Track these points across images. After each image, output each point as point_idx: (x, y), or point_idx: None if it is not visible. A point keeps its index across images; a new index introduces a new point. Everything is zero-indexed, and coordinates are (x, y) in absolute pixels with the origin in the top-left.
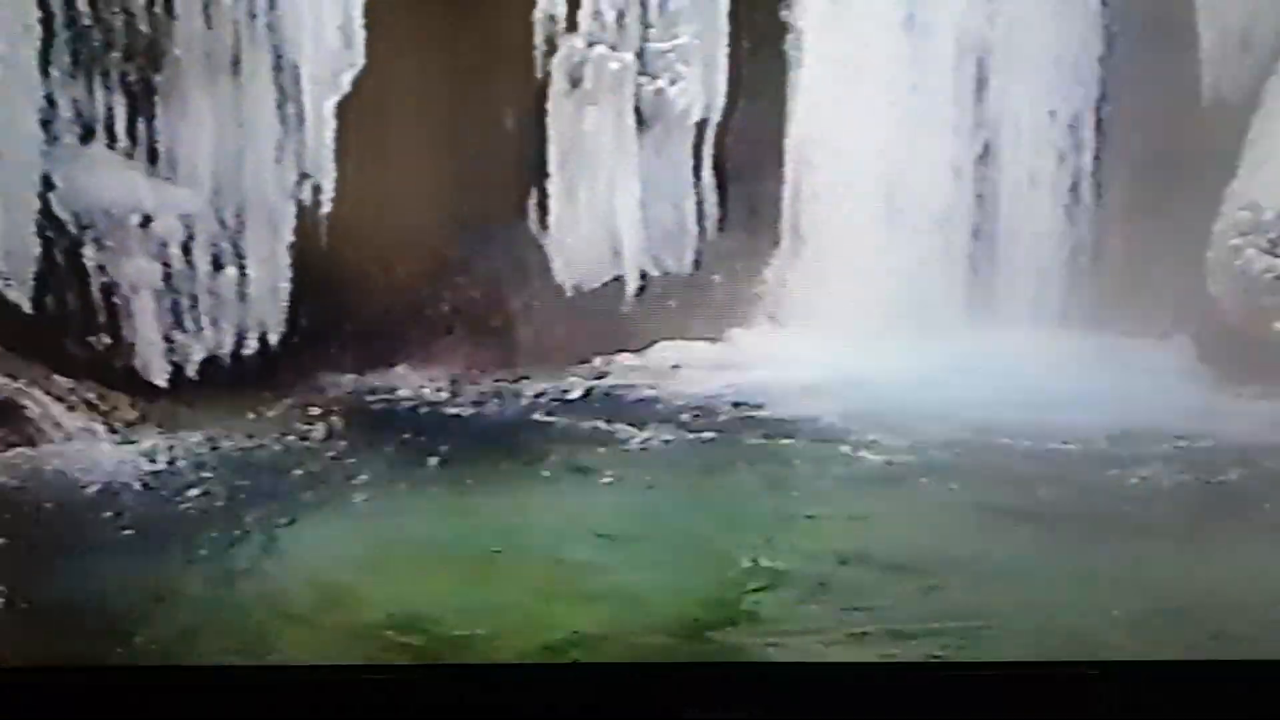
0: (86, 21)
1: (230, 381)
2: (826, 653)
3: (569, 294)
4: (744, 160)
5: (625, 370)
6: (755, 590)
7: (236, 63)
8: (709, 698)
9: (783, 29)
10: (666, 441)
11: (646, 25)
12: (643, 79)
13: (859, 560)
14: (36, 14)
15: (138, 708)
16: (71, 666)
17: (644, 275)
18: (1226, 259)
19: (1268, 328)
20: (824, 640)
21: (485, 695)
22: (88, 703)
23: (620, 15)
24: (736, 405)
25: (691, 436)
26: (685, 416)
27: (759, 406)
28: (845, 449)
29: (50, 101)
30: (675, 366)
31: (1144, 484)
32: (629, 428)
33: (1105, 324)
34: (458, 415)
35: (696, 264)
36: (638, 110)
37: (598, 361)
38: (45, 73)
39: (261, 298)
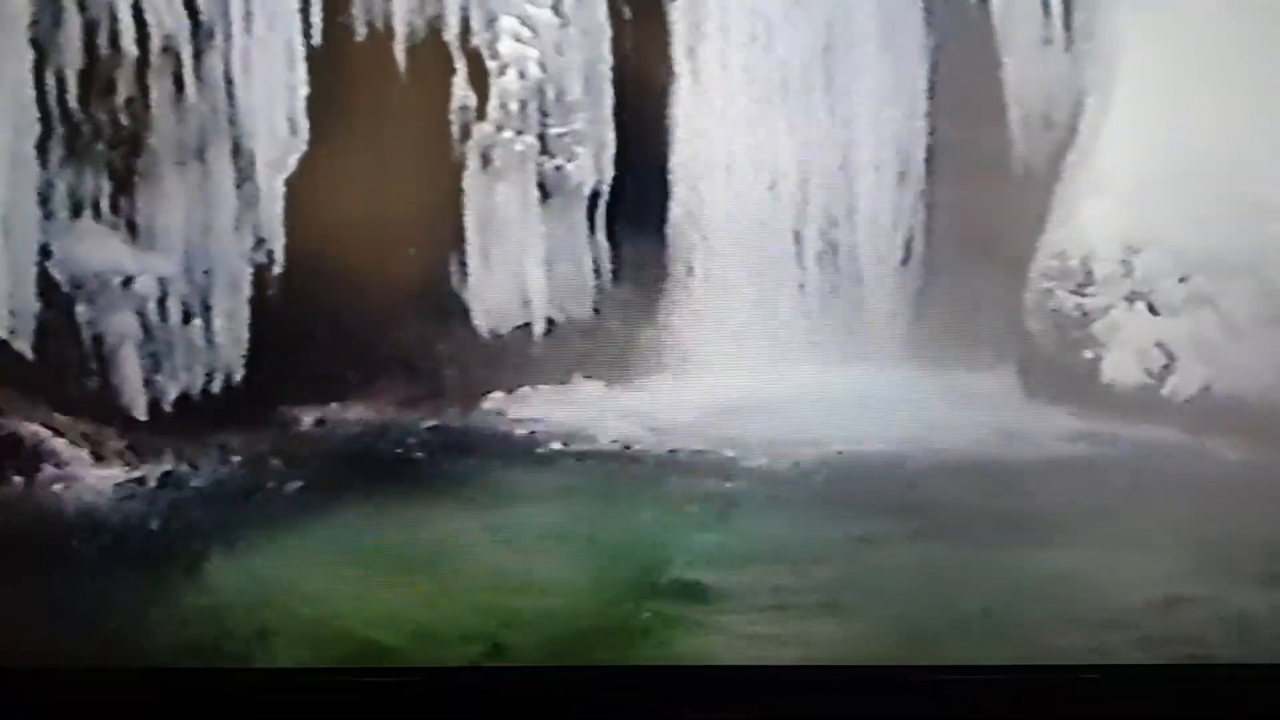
0: (78, 118)
1: (199, 415)
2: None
3: (486, 338)
4: (631, 223)
5: (522, 402)
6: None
7: (202, 150)
8: (707, 698)
9: (664, 115)
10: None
11: (546, 114)
12: (544, 158)
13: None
14: (36, 113)
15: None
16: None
17: (550, 321)
18: (1041, 300)
19: (1078, 356)
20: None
21: (480, 695)
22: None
23: (523, 105)
24: (615, 442)
25: (575, 464)
26: (563, 446)
27: (641, 439)
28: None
29: (48, 183)
30: (572, 401)
31: (959, 498)
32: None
33: (941, 358)
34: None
35: (596, 311)
36: (540, 184)
37: (499, 394)
38: (43, 160)
39: (225, 345)
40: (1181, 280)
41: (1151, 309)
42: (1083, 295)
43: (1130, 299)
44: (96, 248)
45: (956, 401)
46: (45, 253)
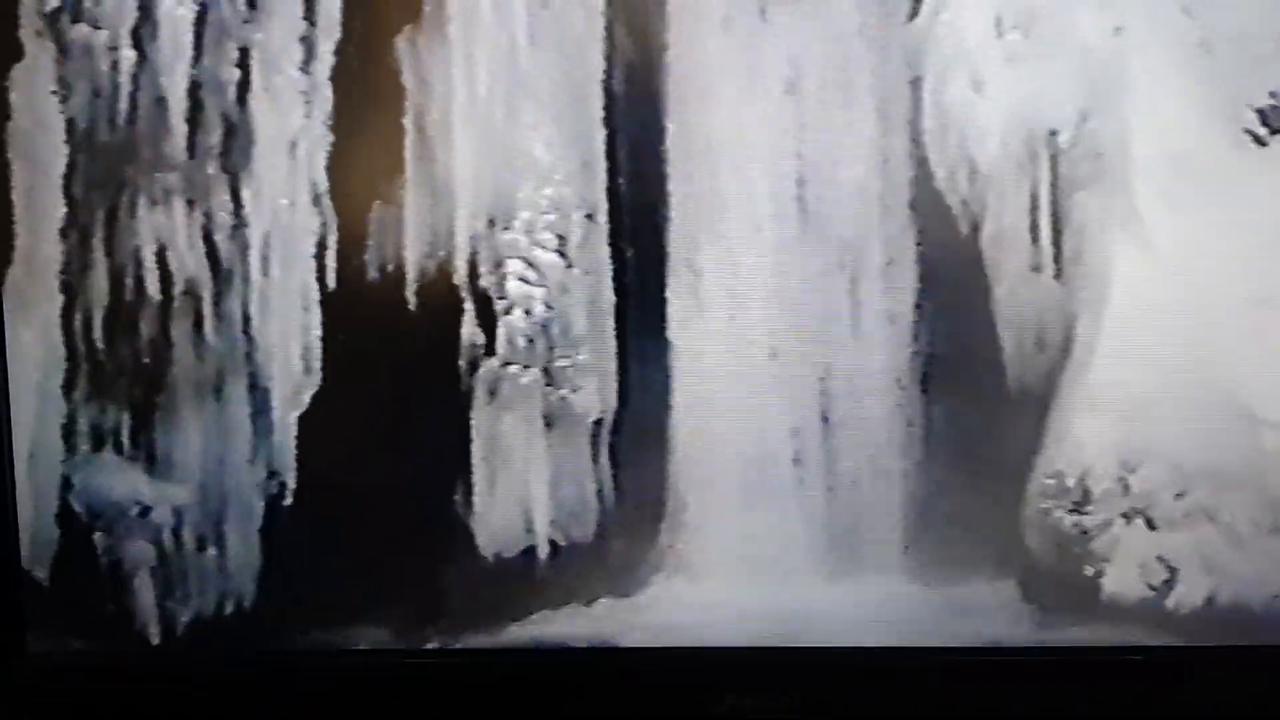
0: (102, 357)
1: (211, 638)
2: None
3: (491, 562)
4: (633, 449)
5: (526, 624)
6: None
7: (220, 386)
8: (749, 682)
9: (664, 346)
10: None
11: (551, 347)
12: (549, 389)
13: None
14: (64, 351)
15: None
16: None
17: (554, 545)
18: (1039, 518)
19: (1079, 572)
20: None
21: (516, 678)
22: None
23: (530, 340)
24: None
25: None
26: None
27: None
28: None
29: (71, 418)
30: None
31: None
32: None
33: (941, 575)
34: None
35: (599, 534)
36: (545, 415)
37: (503, 617)
38: (68, 396)
39: (237, 572)
40: (1180, 495)
41: (1150, 524)
42: (1081, 513)
43: (1129, 515)
44: (116, 479)
45: (955, 614)
46: (66, 484)
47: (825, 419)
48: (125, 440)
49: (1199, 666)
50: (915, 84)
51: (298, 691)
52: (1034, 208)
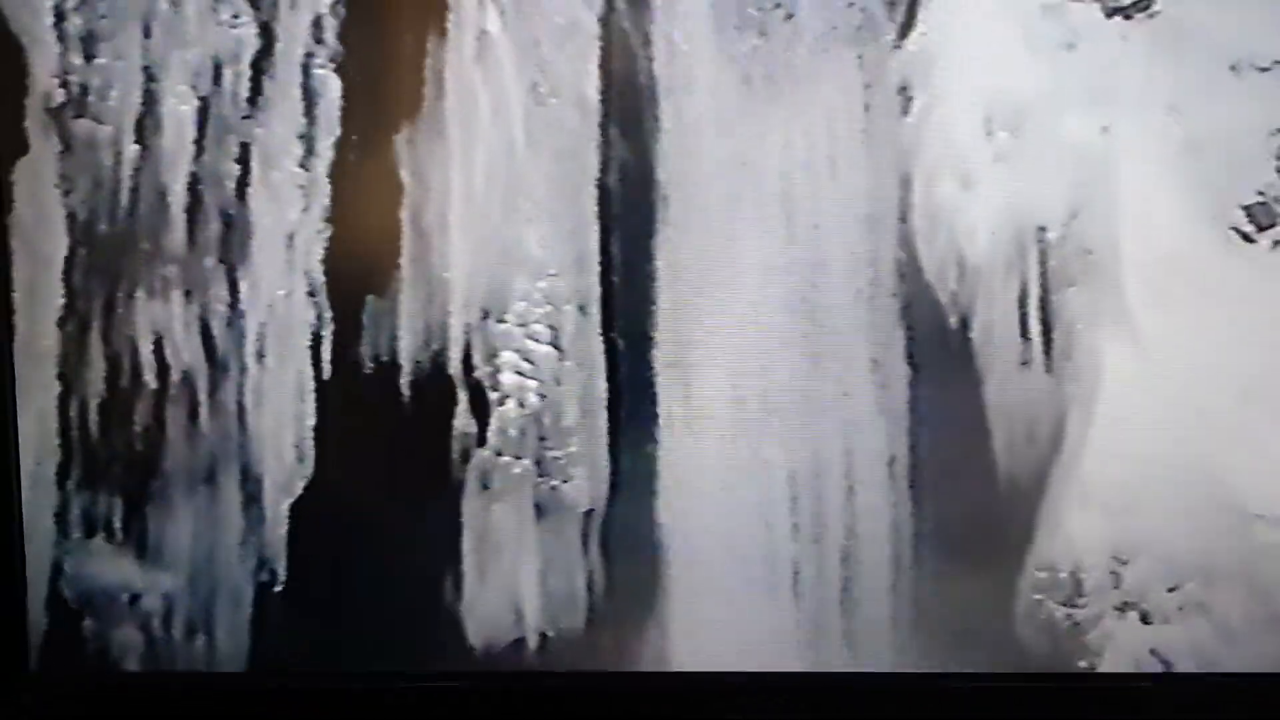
0: (96, 445)
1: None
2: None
3: (479, 654)
4: (624, 539)
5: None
6: None
7: (212, 475)
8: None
9: (655, 438)
10: None
11: (543, 439)
12: (540, 479)
13: None
14: (58, 440)
15: None
16: None
17: (543, 635)
18: (1031, 610)
19: (1071, 665)
20: None
21: (495, 700)
22: None
23: (522, 431)
24: None
25: None
26: None
27: None
28: None
29: (64, 506)
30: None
31: None
32: None
33: (933, 667)
34: None
35: (589, 623)
36: (536, 505)
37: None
38: (61, 484)
39: (225, 662)
40: (1172, 589)
41: (1144, 618)
42: (1073, 607)
43: (1121, 609)
44: (106, 566)
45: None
46: (56, 569)
47: (816, 512)
48: (117, 527)
49: None
50: (905, 181)
51: None
52: (1023, 303)
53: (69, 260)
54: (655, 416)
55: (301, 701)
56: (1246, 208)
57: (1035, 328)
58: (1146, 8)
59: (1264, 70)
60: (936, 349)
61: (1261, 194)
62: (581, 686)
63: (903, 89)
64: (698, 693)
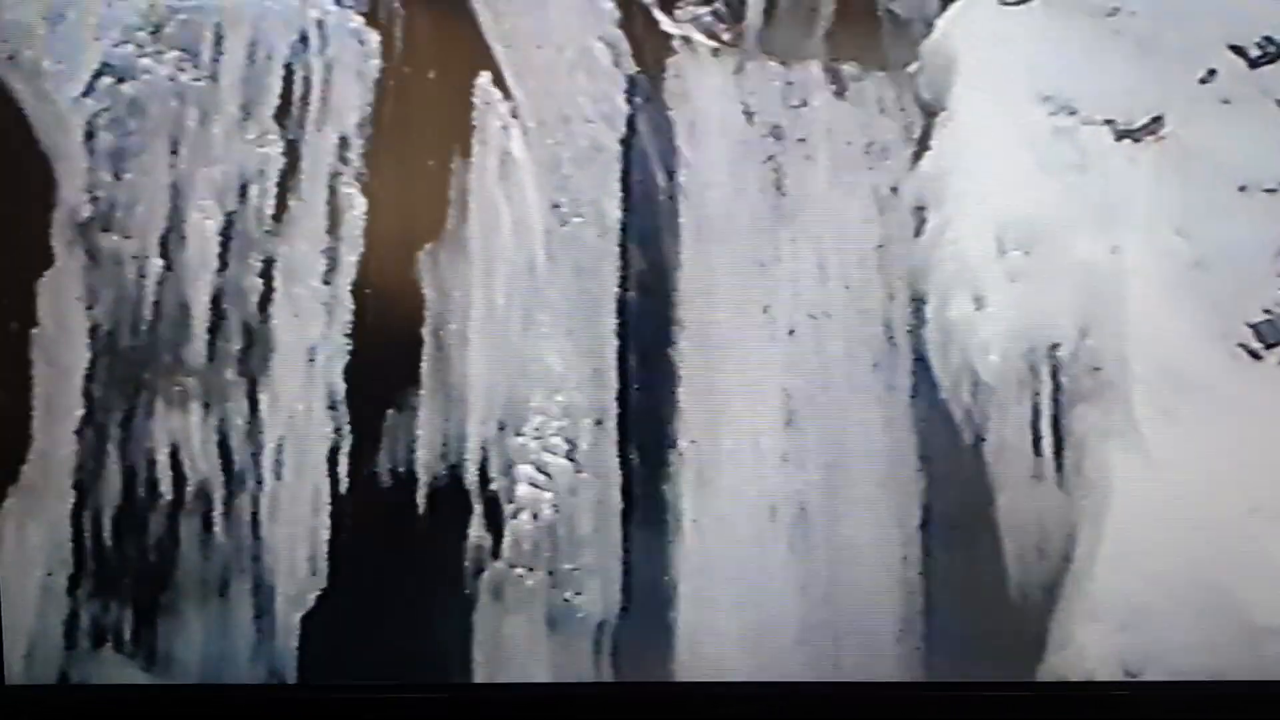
0: (109, 555)
1: None
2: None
3: None
4: (637, 652)
5: None
6: None
7: (224, 587)
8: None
9: (670, 550)
10: None
11: (557, 550)
12: (553, 591)
13: None
14: (71, 549)
15: None
16: None
17: None
18: None
19: None
20: None
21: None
22: None
23: (536, 545)
24: None
25: None
26: None
27: None
28: None
29: (73, 615)
30: None
31: None
32: None
33: None
34: None
35: None
36: (548, 617)
37: None
38: (72, 593)
39: None
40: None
41: None
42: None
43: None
44: (114, 676)
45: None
46: (63, 677)
47: (831, 630)
48: (126, 637)
49: None
50: (919, 299)
51: None
52: (1035, 419)
53: (89, 371)
54: (670, 528)
55: None
56: (1254, 325)
57: (1047, 443)
58: (1155, 131)
59: (1271, 191)
60: (950, 463)
61: (1269, 312)
62: None
63: (918, 208)
64: None
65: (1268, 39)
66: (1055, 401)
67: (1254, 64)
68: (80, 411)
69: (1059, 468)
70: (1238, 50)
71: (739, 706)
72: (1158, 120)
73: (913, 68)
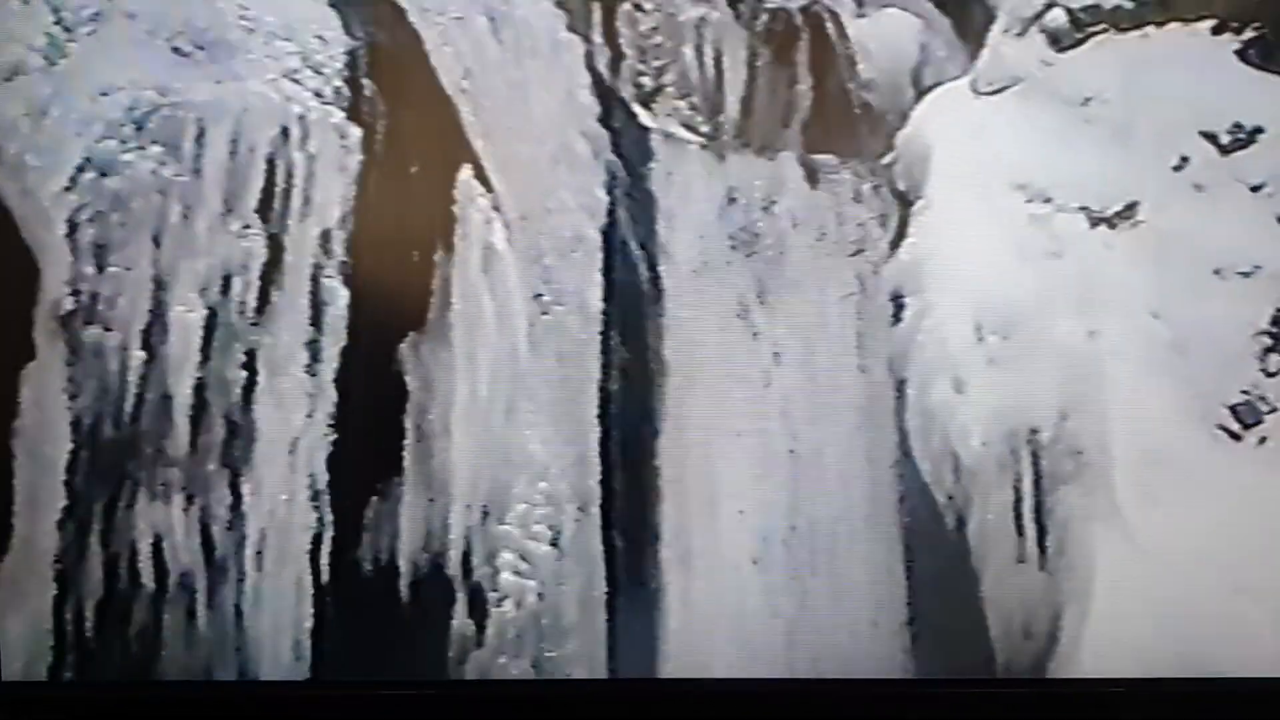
0: (91, 645)
1: None
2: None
3: None
4: None
5: None
6: None
7: (209, 674)
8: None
9: (655, 637)
10: None
11: (542, 639)
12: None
13: None
14: (51, 641)
15: None
16: None
17: None
18: None
19: None
20: None
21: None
22: None
23: (520, 634)
24: None
25: None
26: None
27: None
28: None
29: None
30: None
31: None
32: None
33: None
34: None
35: None
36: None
37: None
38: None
39: None
40: None
41: None
42: None
43: None
44: None
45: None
46: None
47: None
48: None
49: None
50: (900, 385)
51: None
52: (1018, 502)
53: (71, 463)
54: (655, 615)
55: None
56: (1232, 406)
57: (1030, 525)
58: (1130, 217)
59: (1245, 274)
60: (934, 546)
61: (1246, 393)
62: None
63: (896, 296)
64: None
65: (1238, 125)
66: (1037, 484)
67: (1225, 150)
68: (63, 503)
69: (1042, 549)
70: (1209, 137)
71: None
72: (1132, 207)
73: (888, 158)
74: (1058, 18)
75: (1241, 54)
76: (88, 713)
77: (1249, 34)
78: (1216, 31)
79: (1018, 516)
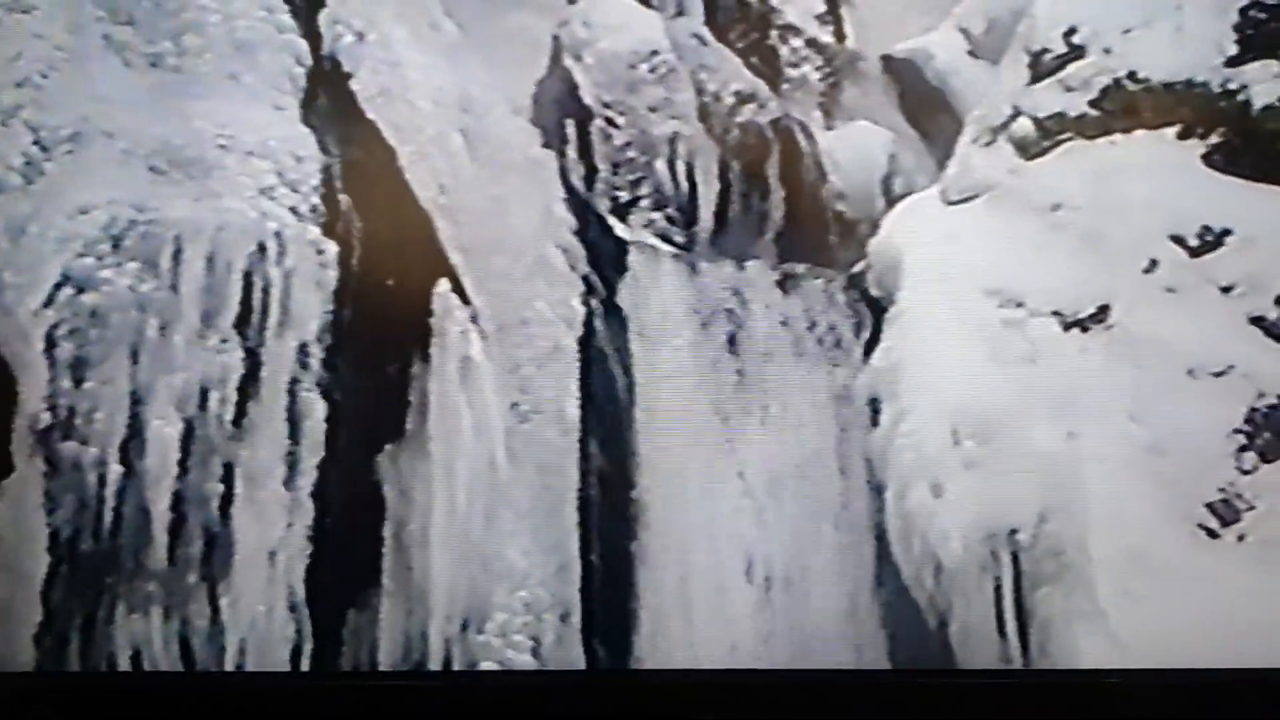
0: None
1: None
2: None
3: None
4: None
5: None
6: None
7: None
8: (728, 703)
9: None
10: None
11: None
12: None
13: None
14: None
15: None
16: None
17: None
18: None
19: None
20: None
21: (498, 701)
22: None
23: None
24: None
25: None
26: None
27: None
28: None
29: None
30: None
31: None
32: None
33: None
34: None
35: None
36: None
37: None
38: None
39: None
40: None
41: None
42: None
43: None
44: None
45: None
46: None
47: None
48: None
49: None
50: (878, 489)
51: None
52: (999, 604)
53: (49, 577)
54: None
55: None
56: (1210, 505)
57: (1012, 627)
58: (1102, 320)
59: (1219, 374)
60: (916, 649)
61: (1224, 491)
62: None
63: (872, 400)
64: None
65: (1206, 228)
66: (1018, 586)
67: (1195, 253)
68: (39, 618)
69: (1025, 651)
70: (1178, 240)
71: None
72: (1104, 310)
73: (860, 266)
74: (1024, 126)
75: (1207, 159)
76: None
77: (1214, 139)
78: (1182, 137)
79: (999, 617)
